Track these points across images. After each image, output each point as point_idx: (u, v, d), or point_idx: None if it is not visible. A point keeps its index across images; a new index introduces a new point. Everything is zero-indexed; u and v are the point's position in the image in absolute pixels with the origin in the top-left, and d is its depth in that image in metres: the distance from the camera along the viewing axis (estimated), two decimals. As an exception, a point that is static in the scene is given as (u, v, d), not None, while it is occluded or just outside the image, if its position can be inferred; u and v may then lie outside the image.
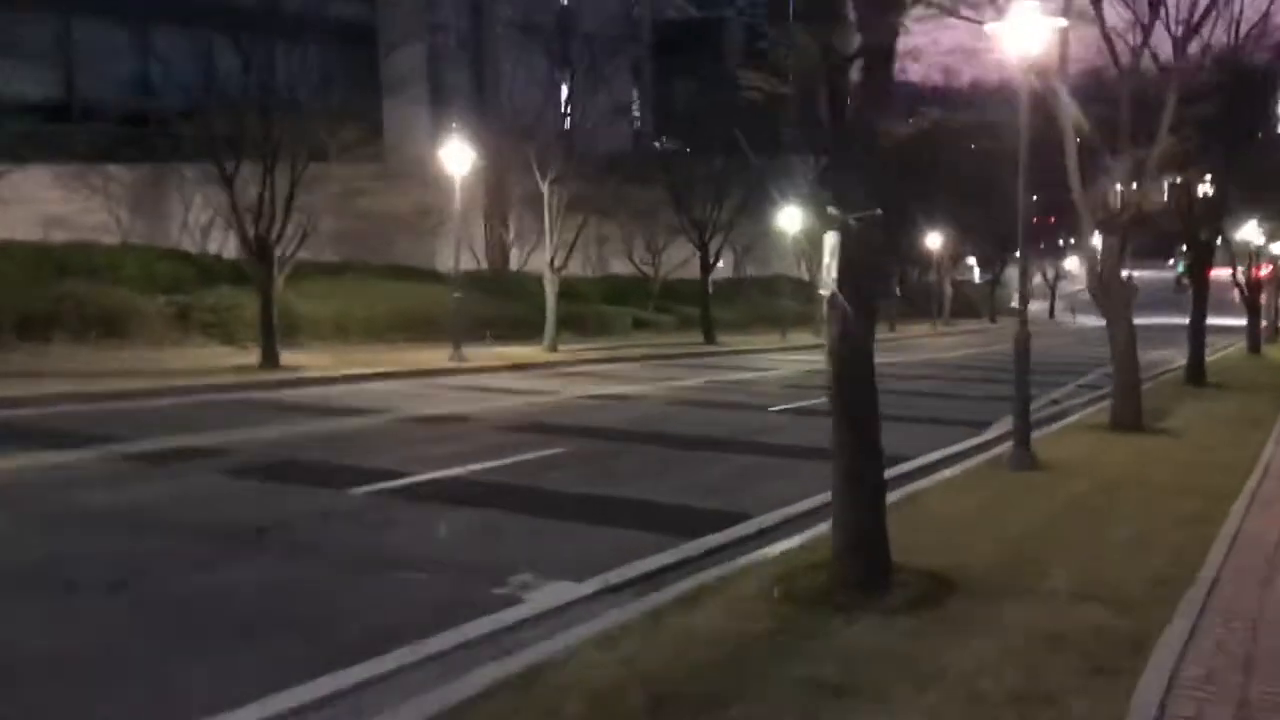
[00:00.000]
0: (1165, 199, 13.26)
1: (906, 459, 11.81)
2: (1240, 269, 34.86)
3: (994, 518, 8.39)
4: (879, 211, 5.99)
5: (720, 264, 50.57)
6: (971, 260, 68.12)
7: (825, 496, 7.17)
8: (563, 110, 33.01)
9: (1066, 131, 13.39)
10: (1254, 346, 33.24)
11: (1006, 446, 12.28)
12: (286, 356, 21.24)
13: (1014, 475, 10.52)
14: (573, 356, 26.11)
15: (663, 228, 37.15)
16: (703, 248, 34.19)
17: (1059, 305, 68.89)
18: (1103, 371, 25.38)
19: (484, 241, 35.44)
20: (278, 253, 20.64)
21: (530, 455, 11.47)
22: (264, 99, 19.91)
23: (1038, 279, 68.24)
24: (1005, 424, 15.14)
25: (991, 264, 60.77)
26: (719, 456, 12.02)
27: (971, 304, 64.22)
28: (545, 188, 26.43)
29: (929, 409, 17.72)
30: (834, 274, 6.07)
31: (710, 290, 34.94)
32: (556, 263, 26.82)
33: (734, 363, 27.74)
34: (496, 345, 27.91)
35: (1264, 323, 37.92)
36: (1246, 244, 34.59)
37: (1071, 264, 70.69)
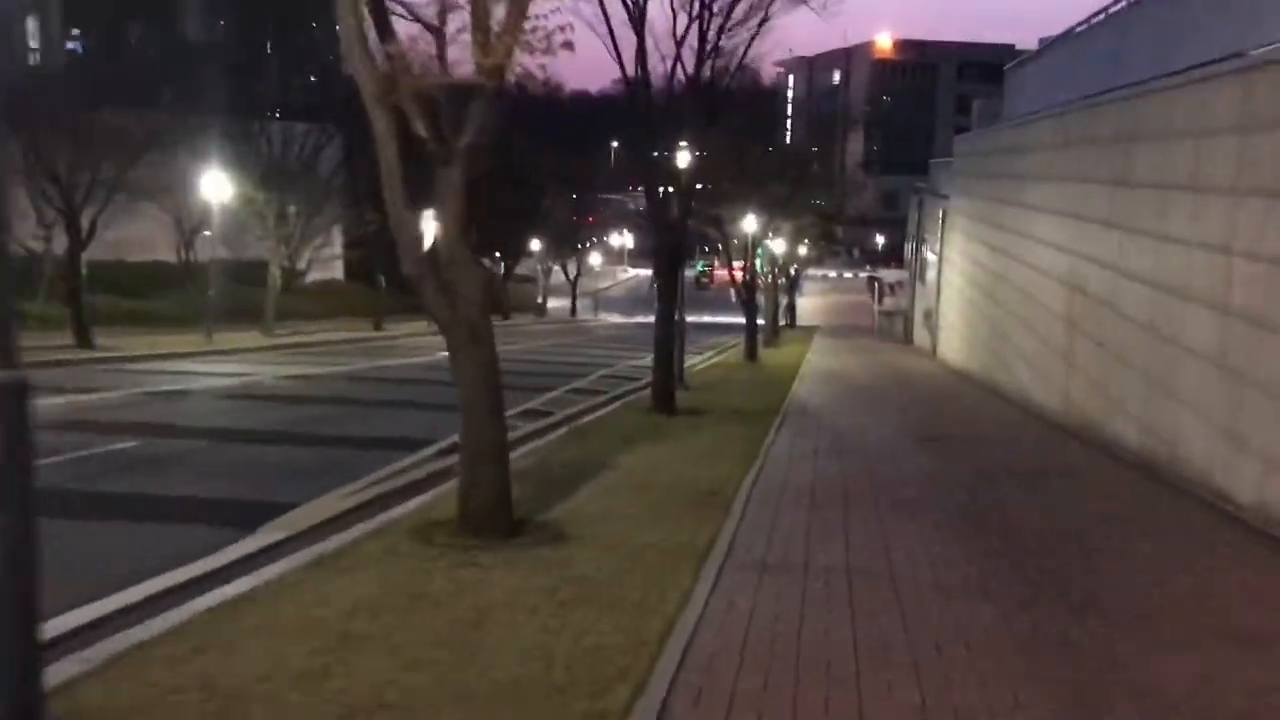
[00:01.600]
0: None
1: None
2: (739, 265, 31.50)
3: None
4: None
5: (208, 243, 40.57)
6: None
7: None
8: None
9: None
10: (750, 352, 29.70)
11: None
12: None
13: None
14: None
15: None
16: (70, 216, 24.50)
17: (583, 303, 65.53)
18: (574, 387, 20.06)
19: None
20: None
21: None
22: None
23: (560, 276, 64.53)
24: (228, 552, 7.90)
25: (504, 258, 55.46)
26: None
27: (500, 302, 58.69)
28: None
29: (182, 489, 10.10)
30: None
31: (84, 272, 25.26)
32: None
33: (62, 378, 18.60)
34: None
35: (762, 321, 35.06)
36: (747, 239, 31.11)
37: (595, 260, 68.02)
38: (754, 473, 10.51)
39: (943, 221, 33.74)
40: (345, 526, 7.92)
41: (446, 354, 7.70)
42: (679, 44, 15.41)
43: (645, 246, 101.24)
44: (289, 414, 14.74)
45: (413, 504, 8.80)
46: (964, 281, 28.77)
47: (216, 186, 28.73)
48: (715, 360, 30.91)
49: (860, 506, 9.08)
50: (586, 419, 15.18)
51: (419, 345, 32.52)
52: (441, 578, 6.34)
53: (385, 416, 15.22)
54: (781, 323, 55.46)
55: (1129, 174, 13.51)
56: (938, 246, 34.33)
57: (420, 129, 7.13)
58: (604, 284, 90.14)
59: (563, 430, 13.79)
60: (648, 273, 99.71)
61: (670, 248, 15.49)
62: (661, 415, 15.16)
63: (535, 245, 56.38)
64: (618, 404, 17.49)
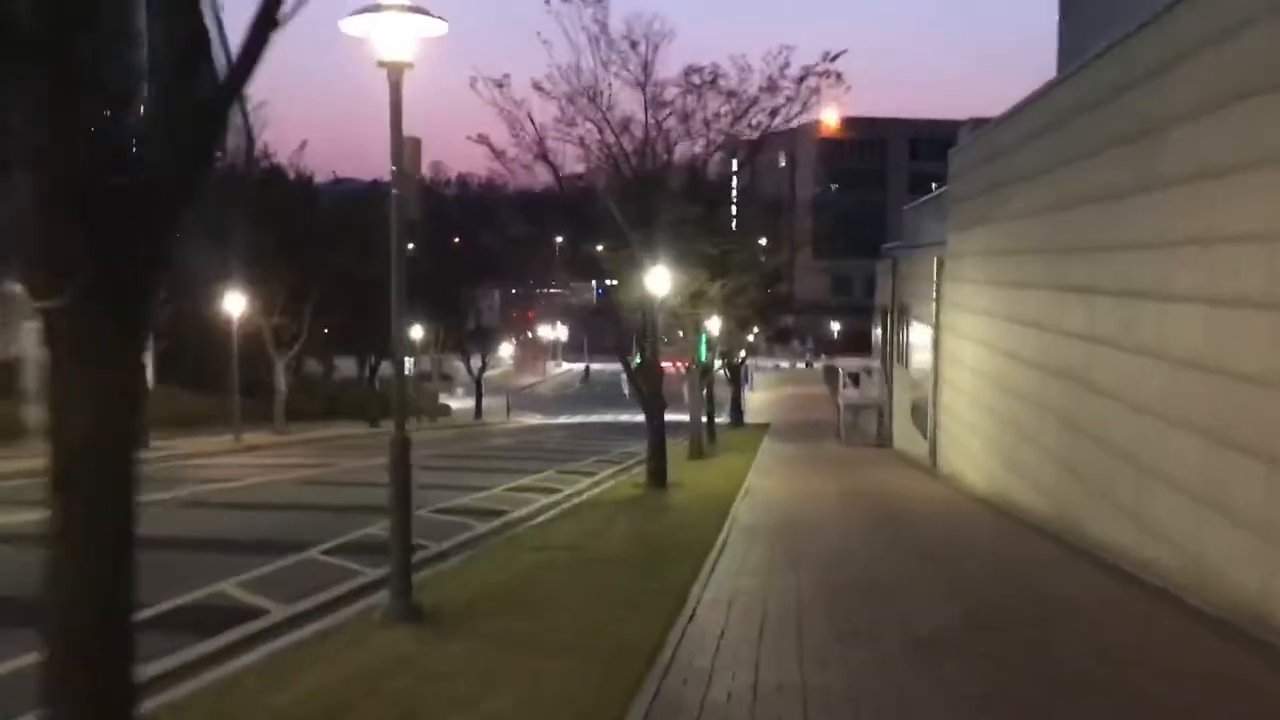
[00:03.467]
0: None
1: None
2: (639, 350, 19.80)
3: None
4: None
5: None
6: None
7: None
8: None
9: None
10: (658, 473, 17.92)
11: None
12: None
13: None
14: None
15: None
16: None
17: (489, 402, 53.48)
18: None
19: None
20: None
21: None
22: None
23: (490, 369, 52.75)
24: None
25: (365, 353, 43.46)
26: None
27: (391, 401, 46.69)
28: None
29: None
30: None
31: None
32: None
33: None
34: None
35: (684, 417, 23.42)
36: (654, 300, 19.40)
37: (506, 351, 56.50)
38: None
39: (938, 277, 22.65)
40: None
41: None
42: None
43: (579, 338, 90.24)
44: None
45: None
46: (988, 356, 17.49)
47: None
48: (611, 484, 19.28)
49: None
50: None
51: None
52: None
53: None
54: (725, 420, 44.01)
55: None
56: (931, 313, 23.14)
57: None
58: (531, 379, 78.47)
59: None
60: (581, 366, 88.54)
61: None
62: None
63: (418, 335, 44.53)
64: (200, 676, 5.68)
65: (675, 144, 17.89)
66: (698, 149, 17.63)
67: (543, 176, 17.06)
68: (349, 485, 18.45)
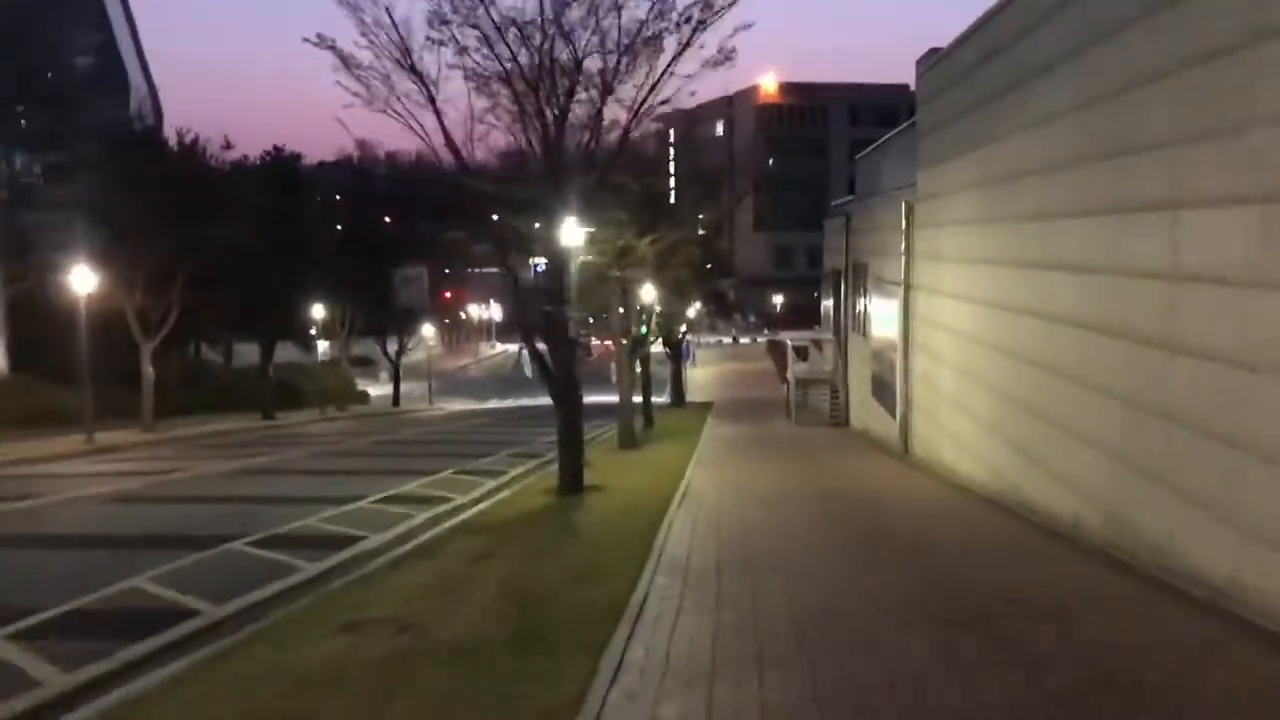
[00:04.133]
0: None
1: None
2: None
3: None
4: None
5: None
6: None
7: None
8: None
9: None
10: (572, 477, 13.82)
11: None
12: None
13: None
14: None
15: None
16: None
17: (412, 387, 48.57)
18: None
19: None
20: None
21: None
22: None
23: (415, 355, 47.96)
24: None
25: (265, 338, 38.00)
26: None
27: (299, 393, 41.97)
28: None
29: None
30: None
31: None
32: None
33: None
34: None
35: (609, 398, 19.35)
36: (566, 253, 15.13)
37: (429, 331, 51.77)
38: None
39: (907, 225, 18.88)
40: None
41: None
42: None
43: (514, 319, 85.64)
44: None
45: None
46: (983, 315, 13.71)
47: None
48: (518, 488, 15.18)
49: None
50: None
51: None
52: None
53: None
54: (664, 400, 40.17)
55: None
56: (899, 270, 19.36)
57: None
58: (462, 361, 73.84)
59: None
60: (515, 348, 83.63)
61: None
62: None
63: (319, 314, 39.63)
64: None
65: (584, 58, 13.78)
66: (610, 63, 13.52)
67: (403, 86, 12.82)
68: (176, 501, 14.14)
